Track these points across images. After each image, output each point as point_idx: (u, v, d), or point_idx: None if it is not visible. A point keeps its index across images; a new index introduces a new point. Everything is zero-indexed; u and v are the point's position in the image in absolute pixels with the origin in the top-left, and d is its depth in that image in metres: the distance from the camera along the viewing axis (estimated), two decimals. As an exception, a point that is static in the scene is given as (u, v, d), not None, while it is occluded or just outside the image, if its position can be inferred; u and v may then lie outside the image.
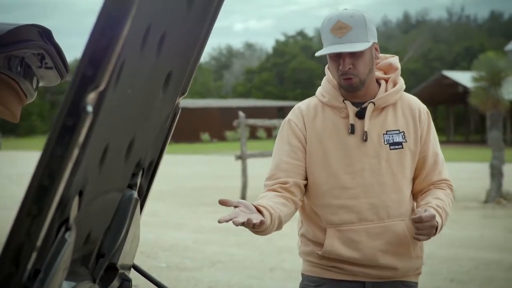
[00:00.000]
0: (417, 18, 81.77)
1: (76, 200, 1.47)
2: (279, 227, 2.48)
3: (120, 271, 2.01)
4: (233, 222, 2.18)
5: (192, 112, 44.51)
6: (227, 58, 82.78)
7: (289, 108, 2.98)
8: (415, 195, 2.72)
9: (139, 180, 2.02)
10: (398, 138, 2.64)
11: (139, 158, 1.96)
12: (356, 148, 2.62)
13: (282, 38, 71.83)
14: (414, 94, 2.87)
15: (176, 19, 1.69)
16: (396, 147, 2.64)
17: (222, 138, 46.79)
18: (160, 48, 1.63)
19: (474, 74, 16.38)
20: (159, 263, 8.27)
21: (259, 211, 2.35)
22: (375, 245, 2.62)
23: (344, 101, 2.64)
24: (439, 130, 2.79)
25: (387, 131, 2.64)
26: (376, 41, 2.62)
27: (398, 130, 2.65)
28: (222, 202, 2.27)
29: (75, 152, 1.25)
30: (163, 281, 2.43)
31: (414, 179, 2.71)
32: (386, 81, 2.71)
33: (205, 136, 46.90)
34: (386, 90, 2.68)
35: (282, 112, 46.91)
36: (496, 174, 13.85)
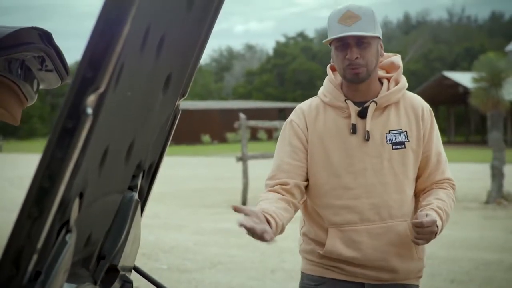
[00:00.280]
0: (417, 19, 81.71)
1: (76, 202, 1.47)
2: (280, 234, 2.48)
3: (121, 272, 2.01)
4: (250, 232, 2.24)
5: (192, 114, 44.49)
6: (227, 59, 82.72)
7: (290, 110, 2.98)
8: (417, 194, 2.71)
9: (139, 182, 2.02)
10: (400, 138, 2.62)
11: (140, 160, 1.96)
12: (358, 148, 2.61)
13: (282, 40, 71.63)
14: (415, 95, 2.85)
15: (176, 20, 1.68)
16: (399, 147, 2.62)
17: (223, 140, 46.74)
18: (160, 49, 1.63)
19: (474, 75, 16.40)
20: (160, 264, 8.27)
21: (268, 221, 2.35)
22: (377, 246, 2.61)
23: (346, 101, 2.63)
24: (439, 131, 2.78)
25: (389, 131, 2.62)
26: (381, 37, 2.61)
27: (401, 129, 2.63)
28: (236, 209, 2.28)
29: (75, 154, 1.25)
30: (164, 283, 2.43)
31: (417, 179, 2.69)
32: (388, 79, 2.69)
33: (206, 137, 46.86)
34: (388, 89, 2.66)
35: (283, 114, 46.87)
36: (496, 174, 13.84)
